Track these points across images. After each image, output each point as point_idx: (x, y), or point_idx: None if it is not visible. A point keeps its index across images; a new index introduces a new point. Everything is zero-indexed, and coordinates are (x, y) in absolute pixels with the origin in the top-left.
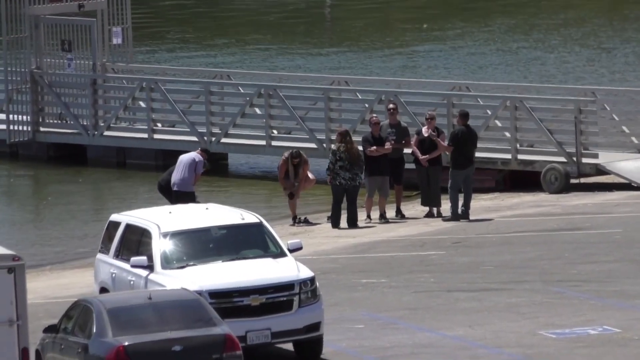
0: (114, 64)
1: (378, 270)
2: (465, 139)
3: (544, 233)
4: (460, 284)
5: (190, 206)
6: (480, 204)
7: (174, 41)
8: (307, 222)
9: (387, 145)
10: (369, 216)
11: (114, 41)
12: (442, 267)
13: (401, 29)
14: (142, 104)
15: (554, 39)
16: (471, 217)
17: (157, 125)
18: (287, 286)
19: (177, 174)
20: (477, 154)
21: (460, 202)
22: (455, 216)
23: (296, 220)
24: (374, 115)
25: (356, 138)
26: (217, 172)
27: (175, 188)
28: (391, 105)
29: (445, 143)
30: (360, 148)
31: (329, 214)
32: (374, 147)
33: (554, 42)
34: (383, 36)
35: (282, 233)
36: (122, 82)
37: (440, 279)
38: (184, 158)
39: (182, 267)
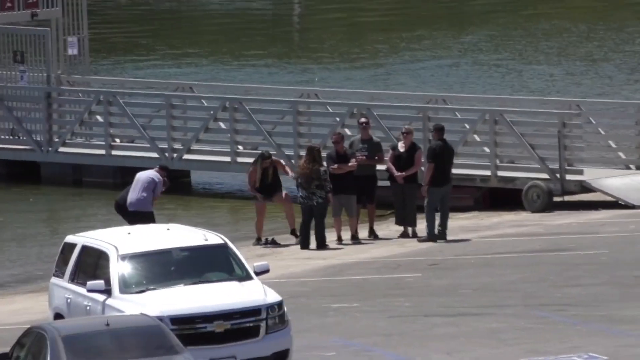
0: (70, 76)
1: (350, 294)
2: (442, 155)
3: (527, 254)
4: (438, 308)
5: (151, 227)
6: (458, 223)
7: (133, 52)
8: (274, 243)
9: (352, 162)
10: (339, 237)
11: (70, 52)
12: (418, 291)
13: (373, 39)
14: (99, 118)
15: (534, 49)
16: (448, 238)
17: (115, 141)
18: (253, 311)
19: (134, 193)
20: (455, 171)
21: (437, 222)
22: (431, 236)
23: (260, 241)
24: (337, 132)
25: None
26: (178, 191)
27: (131, 208)
28: (363, 120)
29: (422, 159)
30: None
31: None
32: (336, 165)
33: (534, 53)
34: (354, 47)
35: (248, 255)
36: (78, 95)
37: (416, 303)
38: (142, 176)
39: (142, 292)
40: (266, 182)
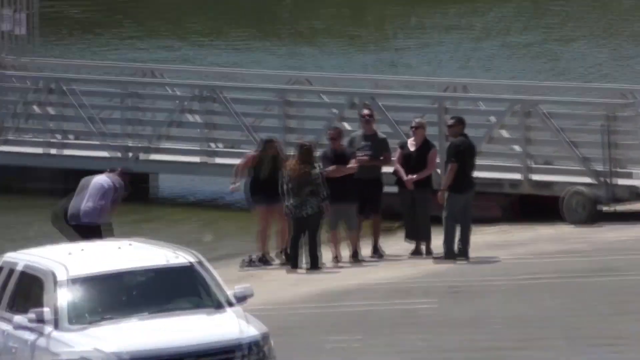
0: (16, 59)
1: (351, 326)
2: (466, 153)
3: (568, 277)
4: (458, 344)
5: (105, 243)
6: (483, 238)
7: (93, 31)
8: (258, 261)
9: (353, 163)
10: (337, 256)
11: (3, 27)
12: (434, 322)
13: (377, 14)
14: (50, 110)
15: (575, 27)
16: (471, 256)
17: (66, 138)
18: (231, 348)
19: (78, 202)
20: (478, 174)
21: (457, 237)
22: (450, 254)
23: (251, 260)
24: (334, 126)
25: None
26: (140, 199)
27: (85, 219)
28: (366, 111)
29: (437, 160)
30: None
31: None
32: (333, 167)
33: (574, 30)
34: (356, 26)
35: (226, 277)
36: (26, 82)
37: (432, 337)
38: (91, 182)
39: (94, 323)
40: (260, 177)
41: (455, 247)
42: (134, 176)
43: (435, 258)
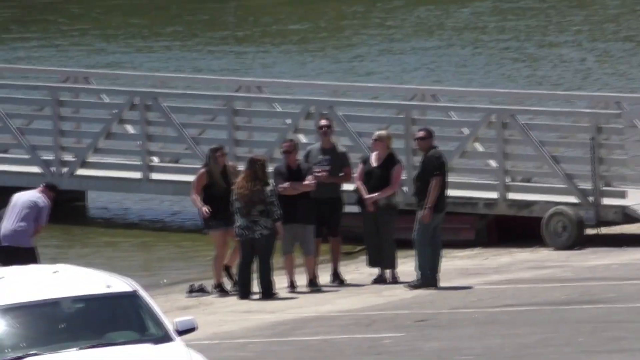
0: None
1: None
2: (445, 167)
3: (548, 307)
4: None
5: (32, 268)
6: (455, 264)
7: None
8: (202, 290)
9: (309, 180)
10: (291, 282)
11: None
12: (401, 357)
13: (335, 11)
14: None
15: (558, 26)
16: (441, 284)
17: None
18: None
19: (8, 222)
20: (449, 192)
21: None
22: (427, 280)
23: (193, 289)
24: (288, 139)
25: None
26: (69, 219)
27: (4, 242)
28: (323, 122)
29: (404, 176)
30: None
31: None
32: (287, 183)
33: (558, 31)
34: (309, 22)
35: (167, 307)
36: None
37: None
38: (20, 199)
39: (20, 358)
40: (215, 195)
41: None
42: (65, 193)
43: (410, 285)
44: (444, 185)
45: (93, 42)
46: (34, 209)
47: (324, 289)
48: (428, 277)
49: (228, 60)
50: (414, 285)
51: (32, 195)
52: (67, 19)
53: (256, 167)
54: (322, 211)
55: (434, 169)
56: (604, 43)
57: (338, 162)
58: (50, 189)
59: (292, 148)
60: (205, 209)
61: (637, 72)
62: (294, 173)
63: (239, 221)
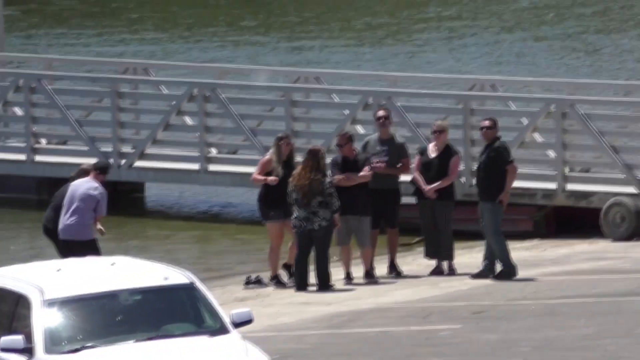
0: None
1: (364, 353)
2: None
3: (607, 299)
4: None
5: (89, 261)
6: (513, 255)
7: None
8: (259, 282)
9: (366, 171)
10: (348, 274)
11: None
12: (458, 349)
13: (392, 2)
14: (17, 111)
15: (619, 16)
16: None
17: (39, 142)
18: None
19: (65, 216)
20: None
21: (481, 252)
22: (509, 269)
23: (249, 282)
24: (343, 131)
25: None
26: (127, 210)
27: (62, 236)
28: (381, 113)
29: (462, 167)
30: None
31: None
32: (343, 175)
33: (619, 21)
34: (366, 13)
35: (224, 299)
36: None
37: None
38: (77, 192)
39: (77, 351)
40: (281, 186)
41: (482, 264)
42: (124, 185)
43: (474, 276)
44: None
45: (149, 35)
46: (90, 201)
47: (381, 280)
48: (511, 265)
49: (281, 50)
50: (501, 276)
51: (87, 187)
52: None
53: (315, 158)
54: (380, 202)
55: (505, 158)
56: None
57: (396, 153)
58: (101, 172)
59: (343, 141)
60: (271, 178)
61: None
62: (351, 164)
63: (297, 212)
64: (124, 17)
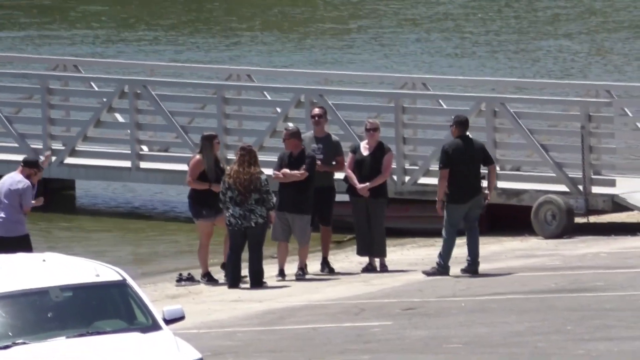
0: None
1: (295, 350)
2: (462, 158)
3: (537, 296)
4: None
5: (20, 257)
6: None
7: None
8: (191, 279)
9: (301, 171)
10: (281, 271)
11: None
12: (389, 345)
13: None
14: None
15: (549, 18)
16: (427, 272)
17: None
18: None
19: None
20: (436, 182)
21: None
22: (443, 268)
23: (182, 277)
24: (290, 125)
25: (269, 158)
26: (58, 207)
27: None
28: (316, 111)
29: (394, 165)
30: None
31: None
32: (283, 171)
33: (549, 22)
34: (299, 11)
35: (155, 296)
36: None
37: None
38: (3, 187)
39: (6, 348)
40: (211, 181)
41: (466, 261)
42: (54, 182)
43: (426, 272)
44: (456, 177)
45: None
46: (12, 197)
47: (314, 277)
48: (445, 265)
49: (218, 47)
50: (430, 273)
51: (11, 182)
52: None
53: (251, 154)
54: (314, 200)
55: (440, 161)
56: (596, 32)
57: (331, 151)
58: (27, 165)
59: (286, 136)
60: (215, 185)
61: (628, 61)
62: (294, 161)
63: (232, 210)
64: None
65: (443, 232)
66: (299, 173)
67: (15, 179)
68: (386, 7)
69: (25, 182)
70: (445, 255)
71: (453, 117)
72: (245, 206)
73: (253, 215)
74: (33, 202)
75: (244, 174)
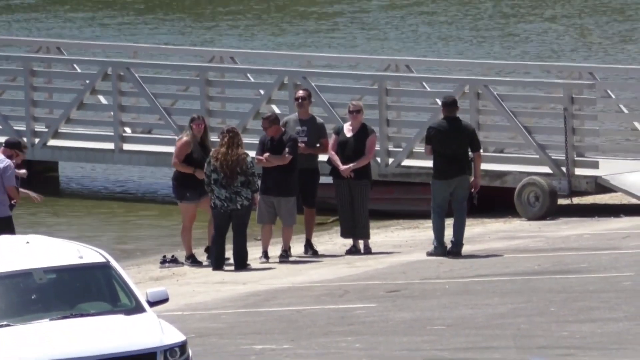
0: None
1: (279, 332)
2: (445, 136)
3: (520, 277)
4: (399, 351)
5: (3, 239)
6: (427, 234)
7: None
8: (175, 261)
9: (285, 155)
10: (265, 253)
11: None
12: (372, 327)
13: None
14: None
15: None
16: (412, 254)
17: None
18: (145, 357)
19: None
20: (422, 163)
21: (447, 231)
22: (440, 249)
23: (166, 260)
24: (267, 114)
25: (252, 140)
26: (41, 189)
27: None
28: (300, 93)
29: (377, 147)
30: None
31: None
32: (265, 155)
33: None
34: None
35: (139, 278)
36: None
37: (369, 343)
38: None
39: None
40: (193, 165)
41: (449, 242)
42: (38, 164)
43: (428, 253)
44: (439, 154)
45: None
46: (7, 169)
47: (297, 259)
48: (441, 246)
49: (199, 29)
50: (430, 254)
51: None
52: None
53: (237, 137)
54: (299, 182)
55: (426, 140)
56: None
57: (315, 133)
58: (7, 146)
59: (266, 124)
60: (199, 171)
61: (610, 42)
62: (276, 144)
63: (218, 192)
64: None
65: (431, 214)
66: (282, 157)
67: (1, 157)
68: None
69: (7, 161)
70: (437, 235)
71: (443, 97)
72: (231, 188)
73: (239, 198)
74: (21, 172)
75: (231, 156)
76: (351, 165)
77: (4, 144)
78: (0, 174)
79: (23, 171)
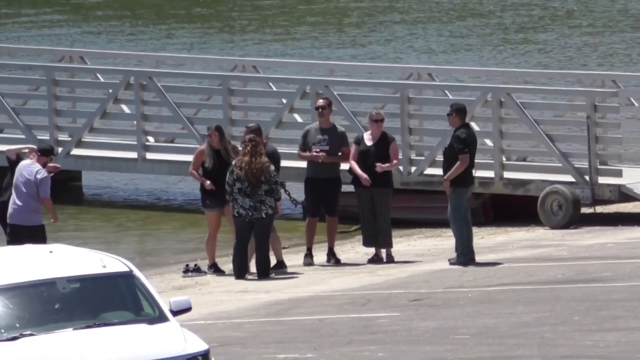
0: None
1: (302, 341)
2: (472, 144)
3: (544, 286)
4: (421, 359)
5: (27, 248)
6: (450, 243)
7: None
8: (197, 270)
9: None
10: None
11: None
12: (396, 336)
13: None
14: None
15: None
16: (436, 264)
17: None
18: None
19: (11, 199)
20: (442, 172)
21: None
22: (464, 257)
23: (188, 268)
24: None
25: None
26: (65, 199)
27: (10, 220)
28: (320, 102)
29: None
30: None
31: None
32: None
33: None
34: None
35: (162, 287)
36: None
37: (393, 353)
38: (19, 175)
39: (14, 339)
40: (216, 174)
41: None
42: (61, 173)
43: (450, 261)
44: (470, 163)
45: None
46: (30, 187)
47: (320, 268)
48: (467, 253)
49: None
50: (453, 262)
51: (29, 171)
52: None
53: (260, 146)
54: (320, 190)
55: (458, 147)
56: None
57: (337, 142)
58: (43, 154)
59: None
60: (208, 182)
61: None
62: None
63: (242, 202)
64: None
65: (451, 223)
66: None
67: (32, 168)
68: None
69: (44, 172)
70: (462, 242)
71: (451, 105)
72: (256, 197)
73: (263, 206)
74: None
75: (255, 164)
76: (386, 165)
77: (38, 152)
78: (37, 184)
79: (57, 165)
